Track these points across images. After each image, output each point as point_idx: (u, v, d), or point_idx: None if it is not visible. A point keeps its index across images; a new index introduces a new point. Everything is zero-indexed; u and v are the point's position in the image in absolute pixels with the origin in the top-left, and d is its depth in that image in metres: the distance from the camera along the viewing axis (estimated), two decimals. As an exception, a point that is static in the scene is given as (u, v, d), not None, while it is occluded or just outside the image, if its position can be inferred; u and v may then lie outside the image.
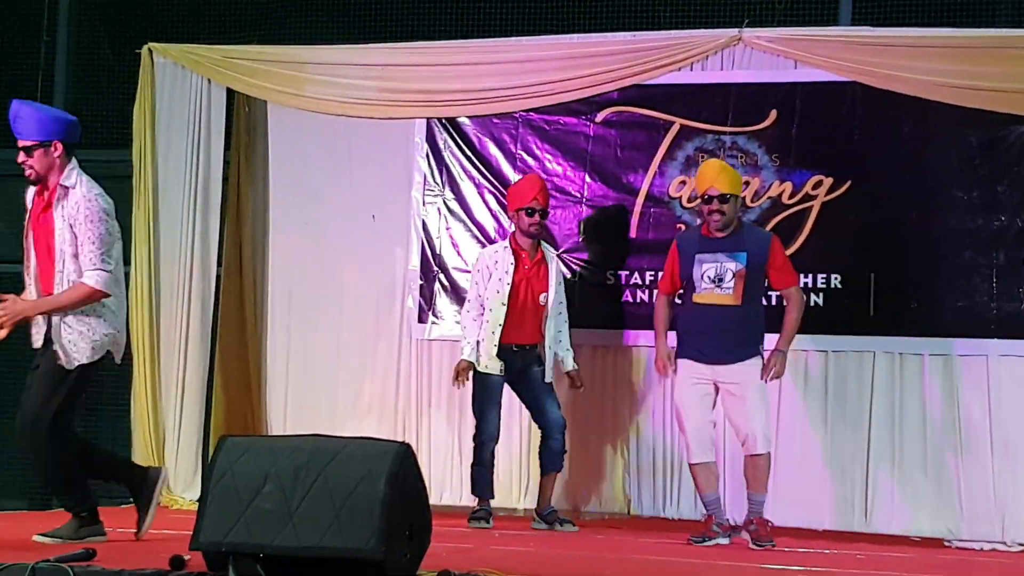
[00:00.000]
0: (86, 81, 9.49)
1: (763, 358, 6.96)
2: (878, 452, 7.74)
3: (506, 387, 7.67)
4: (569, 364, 7.71)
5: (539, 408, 7.64)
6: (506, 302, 7.56)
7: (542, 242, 7.78)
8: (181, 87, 8.65)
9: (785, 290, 7.14)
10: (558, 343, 7.68)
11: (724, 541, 6.87)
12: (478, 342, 7.58)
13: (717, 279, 6.88)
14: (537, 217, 7.62)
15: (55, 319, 5.70)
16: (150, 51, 8.63)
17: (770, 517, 6.95)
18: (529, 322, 7.60)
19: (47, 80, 9.30)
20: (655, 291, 7.98)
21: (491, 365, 7.57)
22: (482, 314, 7.63)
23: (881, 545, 7.20)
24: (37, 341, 5.77)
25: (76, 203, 5.68)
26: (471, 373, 7.61)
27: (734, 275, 6.87)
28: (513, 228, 7.77)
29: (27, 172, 5.73)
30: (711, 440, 6.99)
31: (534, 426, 8.15)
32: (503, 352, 7.56)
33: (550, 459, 7.62)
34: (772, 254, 7.00)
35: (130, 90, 8.65)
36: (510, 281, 7.59)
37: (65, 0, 9.34)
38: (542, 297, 7.62)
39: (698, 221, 7.95)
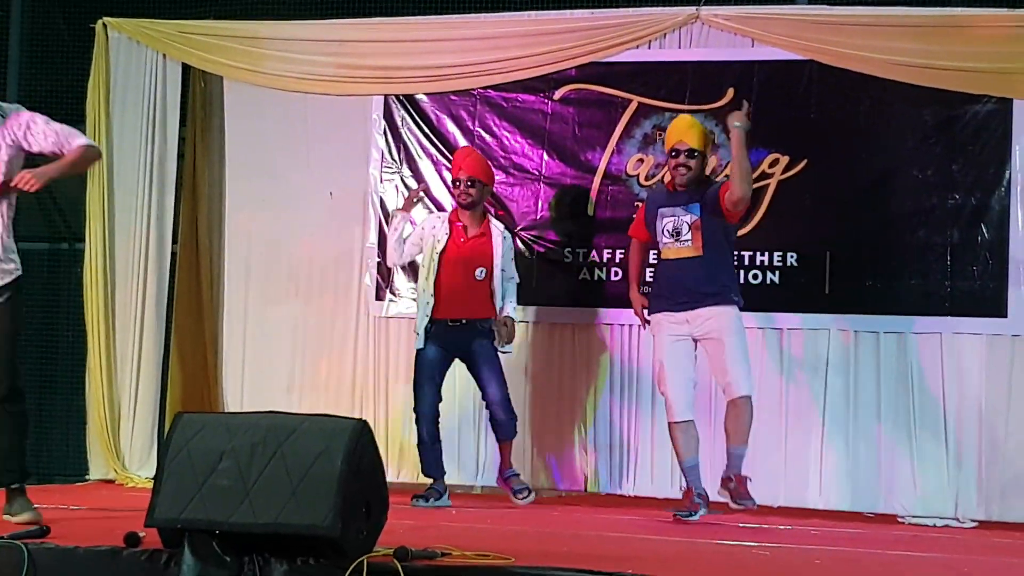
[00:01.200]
0: (40, 56, 9.39)
1: (738, 308, 6.89)
2: (832, 429, 7.79)
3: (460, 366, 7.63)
4: (507, 311, 7.53)
5: (480, 383, 7.54)
6: (433, 276, 7.46)
7: (490, 217, 7.68)
8: (136, 62, 8.59)
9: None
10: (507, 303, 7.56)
11: (704, 512, 6.80)
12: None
13: (675, 232, 6.87)
14: (463, 187, 7.47)
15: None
16: (104, 26, 8.57)
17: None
18: (469, 296, 7.46)
19: (0, 56, 9.21)
20: (614, 268, 8.03)
21: (420, 339, 7.47)
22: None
23: (835, 521, 7.24)
24: None
25: (19, 120, 5.65)
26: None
27: (690, 227, 6.83)
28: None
29: None
30: (692, 399, 6.90)
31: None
32: (439, 327, 7.44)
33: (498, 429, 7.55)
34: (720, 192, 6.86)
35: (84, 65, 8.59)
36: (439, 253, 7.48)
37: (18, -26, 9.25)
38: (478, 272, 7.50)
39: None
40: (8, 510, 5.52)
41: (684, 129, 6.97)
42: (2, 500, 5.69)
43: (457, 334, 7.47)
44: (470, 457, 8.25)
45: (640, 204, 7.47)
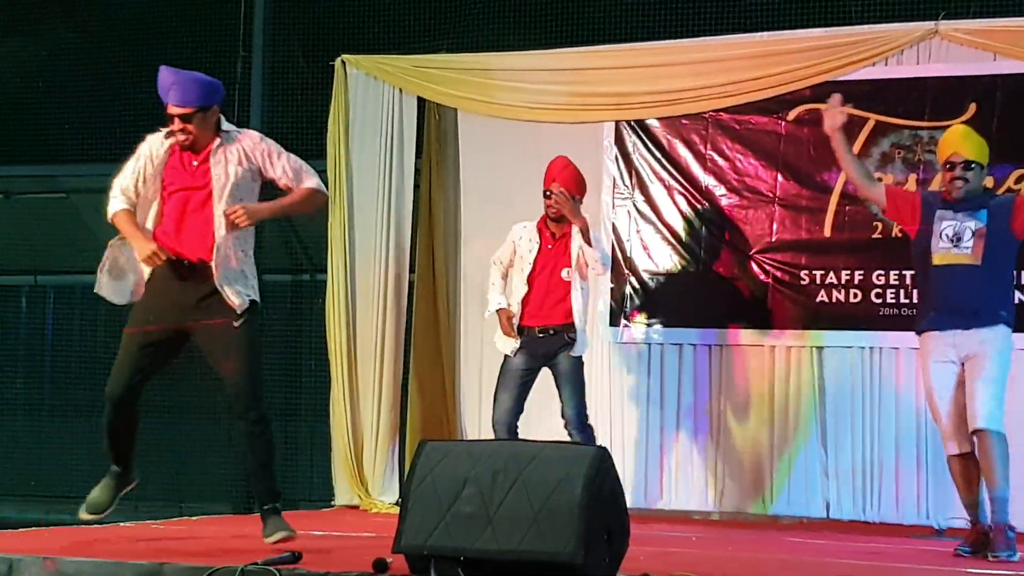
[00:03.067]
0: (281, 94, 9.71)
1: (1010, 328, 6.38)
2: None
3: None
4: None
5: (561, 400, 7.35)
6: (527, 283, 7.33)
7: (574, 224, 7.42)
8: (373, 97, 8.80)
9: None
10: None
11: (1008, 555, 6.15)
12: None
13: (955, 238, 6.38)
14: (552, 199, 7.32)
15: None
16: (343, 63, 8.81)
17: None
18: (554, 302, 7.31)
19: (244, 94, 9.52)
20: (853, 290, 7.87)
21: (503, 344, 7.38)
22: (504, 275, 7.49)
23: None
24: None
25: (254, 142, 5.69)
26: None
27: (973, 233, 6.35)
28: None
29: (183, 139, 5.61)
30: (968, 427, 6.34)
31: (730, 427, 8.10)
32: (526, 336, 7.32)
33: None
34: (1017, 207, 6.41)
35: (324, 102, 8.84)
36: (532, 261, 7.36)
37: (261, 16, 9.56)
38: (564, 272, 7.32)
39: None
40: (263, 532, 5.57)
41: (958, 140, 6.53)
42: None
43: (542, 344, 7.32)
44: (708, 483, 8.17)
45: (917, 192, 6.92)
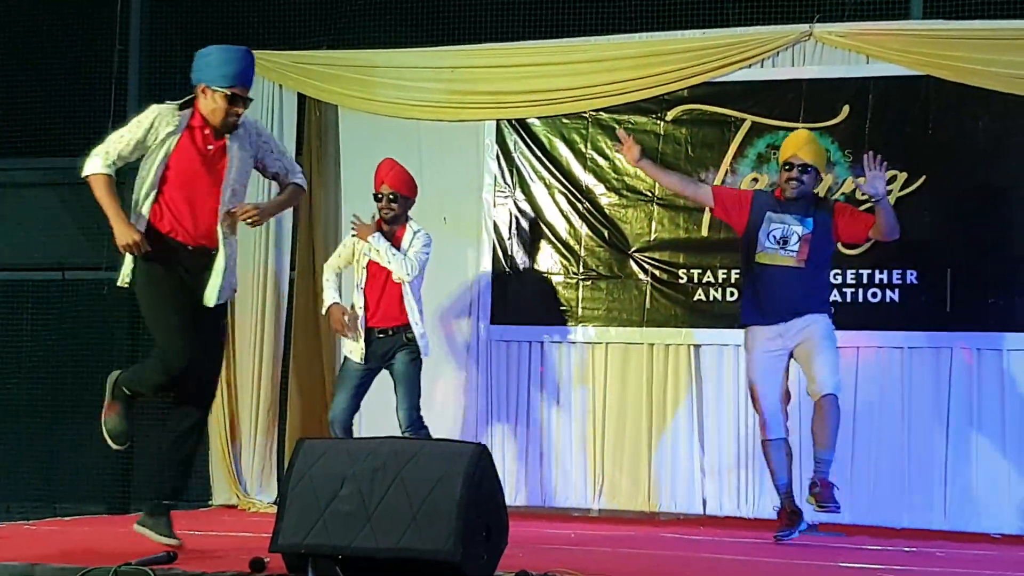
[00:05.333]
0: (159, 88, 9.55)
1: (831, 317, 6.82)
2: (956, 449, 7.66)
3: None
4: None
5: (398, 401, 7.43)
6: (362, 286, 7.41)
7: (409, 222, 7.51)
8: (253, 93, 8.66)
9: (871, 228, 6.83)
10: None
11: (803, 528, 6.75)
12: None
13: (782, 240, 6.76)
14: (385, 202, 7.42)
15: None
16: (222, 57, 8.70)
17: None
18: (389, 303, 7.40)
19: (120, 88, 9.39)
20: (729, 289, 7.98)
21: (350, 348, 7.46)
22: (338, 274, 7.60)
23: (961, 543, 7.12)
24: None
25: (254, 130, 5.67)
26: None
27: (800, 239, 6.75)
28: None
29: (235, 122, 5.51)
30: (786, 415, 6.82)
31: (608, 425, 8.17)
32: (368, 336, 7.40)
33: None
34: (837, 212, 6.85)
35: (202, 97, 8.72)
36: (365, 265, 7.43)
37: (138, 9, 9.43)
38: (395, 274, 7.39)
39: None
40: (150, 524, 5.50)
41: (800, 144, 6.90)
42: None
43: (382, 344, 7.41)
44: (587, 480, 8.23)
45: (748, 192, 7.23)
